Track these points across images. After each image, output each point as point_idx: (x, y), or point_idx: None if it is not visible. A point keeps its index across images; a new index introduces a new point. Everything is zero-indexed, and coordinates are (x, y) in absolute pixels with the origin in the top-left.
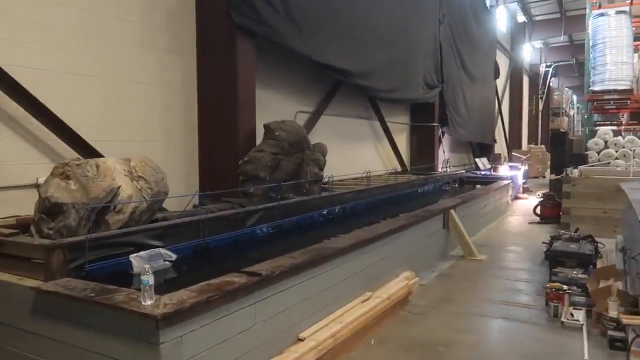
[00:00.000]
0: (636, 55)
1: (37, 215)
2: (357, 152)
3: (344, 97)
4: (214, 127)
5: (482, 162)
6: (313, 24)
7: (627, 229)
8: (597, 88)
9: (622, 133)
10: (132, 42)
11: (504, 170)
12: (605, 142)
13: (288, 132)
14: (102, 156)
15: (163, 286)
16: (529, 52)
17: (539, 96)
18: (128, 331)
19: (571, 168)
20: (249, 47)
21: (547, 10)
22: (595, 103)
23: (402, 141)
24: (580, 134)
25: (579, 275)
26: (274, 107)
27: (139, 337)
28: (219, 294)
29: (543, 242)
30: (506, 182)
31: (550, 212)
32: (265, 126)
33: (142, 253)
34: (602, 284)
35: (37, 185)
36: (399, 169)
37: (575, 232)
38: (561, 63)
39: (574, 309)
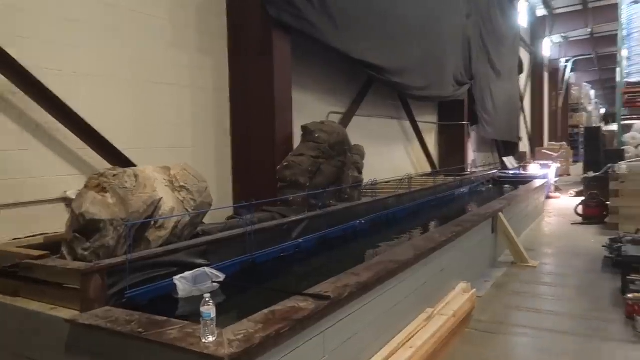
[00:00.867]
0: None
1: (70, 234)
2: (388, 154)
3: (375, 97)
4: (249, 130)
5: (510, 161)
6: (347, 18)
7: None
8: (633, 79)
9: None
10: (160, 40)
11: (534, 168)
12: None
13: (328, 133)
14: (135, 165)
15: (217, 315)
16: (549, 46)
17: (559, 92)
18: None
19: (618, 164)
20: (285, 43)
21: (569, 3)
22: (627, 96)
23: (431, 141)
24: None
25: None
26: (306, 108)
27: None
28: (288, 324)
29: (603, 246)
30: (542, 181)
31: (594, 211)
32: (304, 127)
33: (186, 274)
34: None
35: (65, 199)
36: (429, 170)
37: (637, 233)
38: (581, 57)
39: None
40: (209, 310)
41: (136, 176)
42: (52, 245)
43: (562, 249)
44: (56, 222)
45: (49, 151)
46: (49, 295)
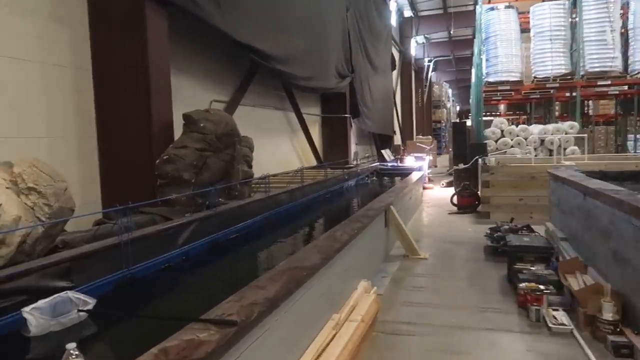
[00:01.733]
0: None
1: None
2: (273, 146)
3: (260, 86)
4: (119, 118)
5: (387, 154)
6: None
7: (572, 217)
8: (491, 79)
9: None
10: None
11: (410, 161)
12: (502, 130)
13: (215, 123)
14: None
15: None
16: (414, 46)
17: (423, 89)
18: None
19: (488, 157)
20: (161, 19)
21: (432, 6)
22: (484, 94)
23: (315, 133)
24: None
25: (545, 272)
26: (185, 95)
27: None
28: None
29: (485, 236)
30: (421, 173)
31: (467, 201)
32: (186, 116)
33: (41, 303)
34: (570, 279)
35: None
36: (314, 162)
37: (511, 222)
38: (441, 58)
39: (553, 310)
40: None
41: None
42: None
43: (445, 239)
44: None
45: None
46: None
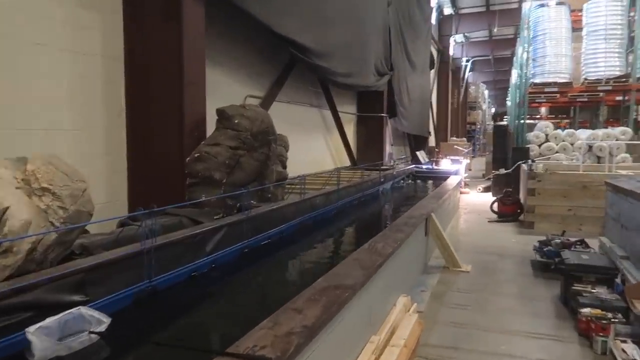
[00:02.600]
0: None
1: None
2: (307, 144)
3: (296, 82)
4: (150, 111)
5: (422, 156)
6: None
7: (637, 234)
8: (538, 80)
9: (561, 126)
10: None
11: (446, 164)
12: (546, 135)
13: (251, 119)
14: None
15: None
16: (452, 45)
17: (460, 90)
18: None
19: (535, 162)
20: (198, 7)
21: (474, 4)
22: (528, 97)
23: (350, 133)
24: (490, 127)
25: (609, 296)
26: (221, 89)
27: None
28: None
29: (534, 250)
30: (458, 177)
31: (509, 209)
32: (220, 111)
33: (49, 321)
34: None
35: None
36: (348, 163)
37: (562, 235)
38: (479, 58)
39: (622, 342)
40: None
41: None
42: None
43: (487, 250)
44: None
45: None
46: None
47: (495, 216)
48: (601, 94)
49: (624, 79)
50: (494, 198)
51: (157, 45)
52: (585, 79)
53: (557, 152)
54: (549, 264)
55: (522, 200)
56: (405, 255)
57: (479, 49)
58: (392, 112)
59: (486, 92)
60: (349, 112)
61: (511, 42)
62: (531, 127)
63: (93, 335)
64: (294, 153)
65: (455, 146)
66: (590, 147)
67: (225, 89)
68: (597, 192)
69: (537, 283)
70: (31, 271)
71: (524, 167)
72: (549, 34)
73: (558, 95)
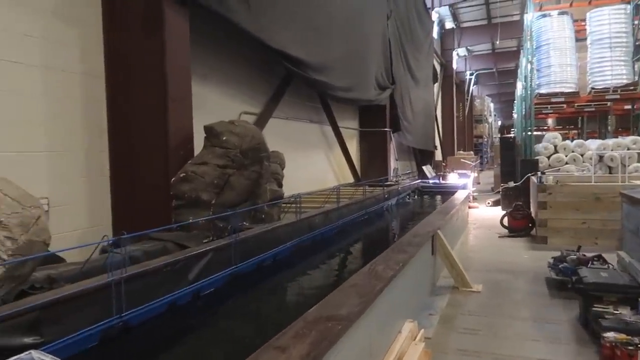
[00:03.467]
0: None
1: None
2: (307, 161)
3: (294, 97)
4: (133, 131)
5: (428, 170)
6: (264, 0)
7: None
8: (543, 91)
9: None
10: None
11: (453, 178)
12: (555, 146)
13: (240, 136)
14: None
15: None
16: (455, 59)
17: (465, 103)
18: None
19: (545, 175)
20: (181, 19)
21: (475, 17)
22: (534, 108)
23: (353, 148)
24: (497, 140)
25: (634, 318)
26: (212, 106)
27: None
28: None
29: (549, 266)
30: (466, 191)
31: (520, 223)
32: (208, 128)
33: None
34: None
35: None
36: (352, 179)
37: (578, 250)
38: (483, 71)
39: None
40: None
41: None
42: None
43: (499, 267)
44: None
45: None
46: None
47: (505, 231)
48: (609, 103)
49: (632, 87)
50: (504, 212)
51: (138, 61)
52: (592, 89)
53: (566, 163)
54: (566, 282)
55: (533, 214)
56: (410, 276)
57: (483, 62)
58: (396, 126)
59: (492, 105)
60: (350, 128)
61: (514, 55)
62: (539, 139)
63: None
64: (293, 171)
65: (462, 159)
66: (601, 158)
67: (217, 106)
68: (612, 204)
69: (553, 303)
70: None
71: (534, 179)
72: (552, 44)
73: (565, 105)
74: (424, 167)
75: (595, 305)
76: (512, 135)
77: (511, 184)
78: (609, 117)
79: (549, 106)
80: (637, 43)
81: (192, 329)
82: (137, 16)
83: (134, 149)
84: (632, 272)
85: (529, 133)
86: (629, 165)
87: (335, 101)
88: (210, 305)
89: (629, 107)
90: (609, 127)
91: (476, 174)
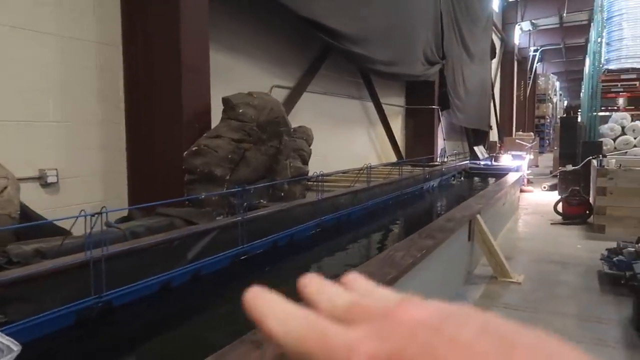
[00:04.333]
0: None
1: None
2: (347, 139)
3: (333, 71)
4: (150, 102)
5: (480, 151)
6: None
7: None
8: (612, 66)
9: None
10: None
11: (506, 159)
12: (623, 127)
13: (258, 108)
14: None
15: None
16: (518, 34)
17: (527, 81)
18: None
19: (606, 158)
20: None
21: None
22: (602, 85)
23: (397, 127)
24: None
25: None
26: (242, 79)
27: None
28: None
29: (601, 260)
30: (518, 174)
31: (576, 210)
32: (225, 100)
33: None
34: None
35: None
36: (395, 159)
37: (638, 242)
38: (549, 47)
39: None
40: None
41: None
42: None
43: (547, 257)
44: None
45: None
46: None
47: (559, 218)
48: None
49: None
50: (559, 197)
51: (154, 29)
52: None
53: (635, 146)
54: (619, 277)
55: (591, 200)
56: (439, 264)
57: (549, 37)
58: (444, 104)
59: (557, 84)
60: (395, 105)
61: (584, 29)
62: (606, 120)
63: None
64: (332, 148)
65: (518, 140)
66: None
67: (247, 79)
68: None
69: (603, 301)
70: None
71: (594, 163)
72: (626, 14)
73: (638, 83)
74: (475, 148)
75: None
76: (573, 115)
77: (569, 167)
78: None
79: (619, 84)
80: None
81: (180, 311)
82: None
83: (149, 121)
84: None
85: (594, 113)
86: None
87: (377, 76)
88: (210, 286)
89: None
90: None
91: (532, 156)
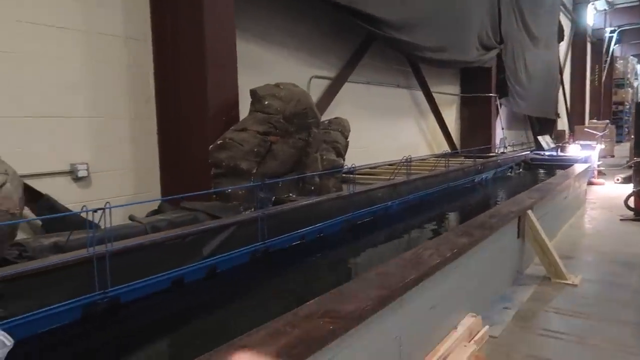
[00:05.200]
0: None
1: None
2: (393, 130)
3: (377, 60)
4: (179, 96)
5: (546, 141)
6: None
7: None
8: None
9: None
10: None
11: (574, 150)
12: None
13: (284, 100)
14: None
15: None
16: (592, 14)
17: (602, 65)
18: None
19: None
20: None
21: None
22: None
23: (451, 116)
24: None
25: None
26: (280, 70)
27: None
28: None
29: None
30: (585, 165)
31: None
32: (252, 92)
33: None
34: None
35: None
36: (448, 150)
37: None
38: (628, 27)
39: None
40: None
41: None
42: None
43: (611, 257)
44: None
45: None
46: None
47: (630, 213)
48: None
49: None
50: (629, 191)
51: (182, 24)
52: None
53: None
54: None
55: None
56: (479, 262)
57: (628, 16)
58: (503, 91)
59: (638, 67)
60: (447, 93)
61: None
62: None
63: None
64: (377, 139)
65: (587, 129)
66: None
67: (285, 70)
68: None
69: None
70: None
71: None
72: None
73: None
74: (539, 138)
75: None
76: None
77: None
78: None
79: None
80: None
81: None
82: None
83: (178, 115)
84: None
85: None
86: None
87: (425, 63)
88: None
89: None
90: None
91: (606, 146)
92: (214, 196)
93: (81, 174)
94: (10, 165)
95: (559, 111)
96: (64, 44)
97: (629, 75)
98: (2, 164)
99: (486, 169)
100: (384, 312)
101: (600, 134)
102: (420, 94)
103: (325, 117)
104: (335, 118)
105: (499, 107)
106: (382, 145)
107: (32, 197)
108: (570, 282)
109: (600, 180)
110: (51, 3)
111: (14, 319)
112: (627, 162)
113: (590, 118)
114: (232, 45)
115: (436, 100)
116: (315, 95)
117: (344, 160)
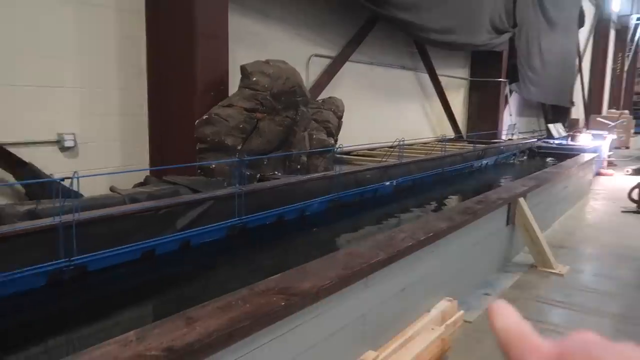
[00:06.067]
0: None
1: None
2: (396, 113)
3: (384, 40)
4: (168, 70)
5: (557, 129)
6: None
7: None
8: None
9: None
10: None
11: (585, 139)
12: None
13: (273, 78)
14: None
15: None
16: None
17: (626, 53)
18: None
19: None
20: None
21: None
22: None
23: (459, 101)
24: None
25: None
26: (277, 47)
27: None
28: None
29: None
30: (592, 155)
31: None
32: (241, 68)
33: None
34: None
35: None
36: (452, 134)
37: None
38: None
39: None
40: None
41: None
42: None
43: (606, 249)
44: None
45: None
46: None
47: (633, 205)
48: None
49: None
50: (635, 182)
51: None
52: None
53: None
54: None
55: None
56: (459, 248)
57: None
58: (514, 76)
59: None
60: (454, 76)
61: None
62: None
63: None
64: (380, 121)
65: (599, 119)
66: None
67: (283, 47)
68: None
69: None
70: None
71: None
72: None
73: None
74: (550, 125)
75: None
76: None
77: None
78: None
79: None
80: None
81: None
82: None
83: (168, 89)
84: None
85: None
86: None
87: (431, 45)
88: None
89: None
90: None
91: (617, 136)
92: (199, 171)
93: (68, 144)
94: None
95: (574, 99)
96: (56, 13)
97: None
98: None
99: (487, 155)
100: (347, 291)
101: (613, 124)
102: (426, 77)
103: (323, 97)
104: (329, 97)
105: (509, 93)
106: (382, 127)
107: (17, 164)
108: (557, 272)
109: (610, 171)
110: None
111: None
112: None
113: (609, 108)
114: (224, 15)
115: (444, 83)
116: (314, 74)
117: (335, 140)
